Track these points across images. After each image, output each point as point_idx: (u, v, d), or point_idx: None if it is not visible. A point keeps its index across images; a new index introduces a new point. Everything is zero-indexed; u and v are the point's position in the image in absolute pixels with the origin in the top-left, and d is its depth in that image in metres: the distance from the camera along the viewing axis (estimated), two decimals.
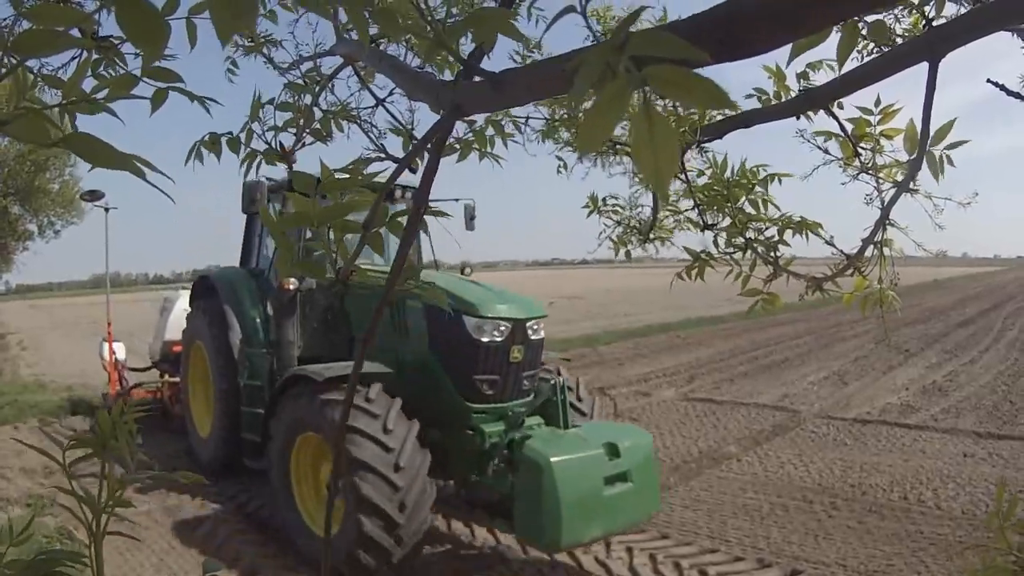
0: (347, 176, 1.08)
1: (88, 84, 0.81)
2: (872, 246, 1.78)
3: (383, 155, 1.93)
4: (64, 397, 10.62)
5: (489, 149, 1.68)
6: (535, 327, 5.32)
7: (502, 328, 5.08)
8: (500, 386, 5.19)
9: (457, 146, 1.76)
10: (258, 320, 6.67)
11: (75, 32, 0.71)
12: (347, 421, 1.31)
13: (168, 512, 6.00)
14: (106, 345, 9.39)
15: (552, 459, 4.20)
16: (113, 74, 0.98)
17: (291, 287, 6.06)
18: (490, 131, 1.63)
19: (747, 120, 2.11)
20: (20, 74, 0.71)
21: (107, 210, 9.06)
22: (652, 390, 11.55)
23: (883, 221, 1.74)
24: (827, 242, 1.97)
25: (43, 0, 0.90)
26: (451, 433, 5.17)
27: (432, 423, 4.95)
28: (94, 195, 8.91)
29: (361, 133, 2.11)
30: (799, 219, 1.99)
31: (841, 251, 1.87)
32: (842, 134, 1.98)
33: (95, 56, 0.99)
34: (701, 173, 2.10)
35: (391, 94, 1.98)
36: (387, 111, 1.99)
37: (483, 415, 5.15)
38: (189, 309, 7.71)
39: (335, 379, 4.70)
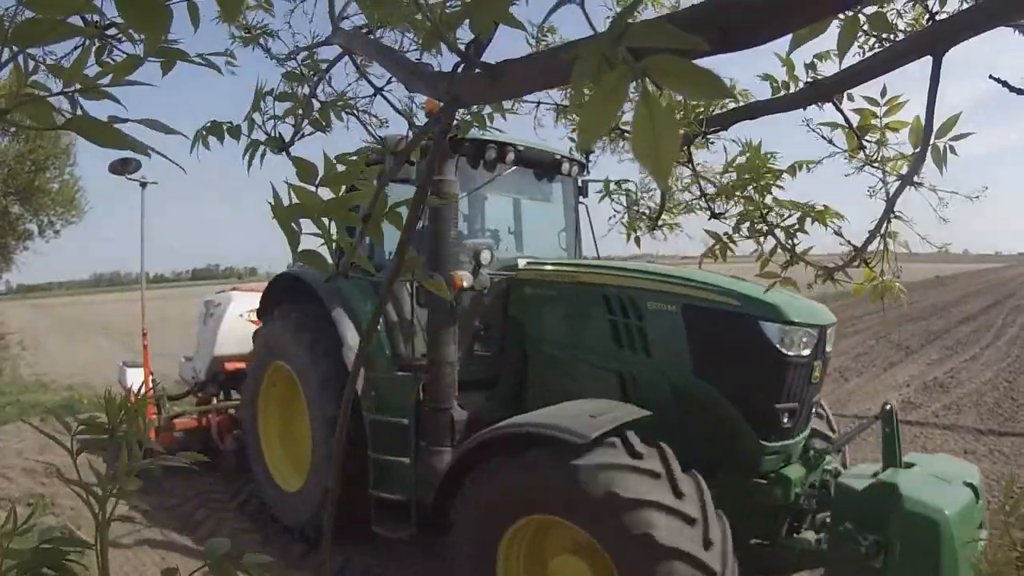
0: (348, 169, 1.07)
1: (91, 73, 0.81)
2: (878, 238, 1.78)
3: (381, 147, 1.94)
4: (66, 396, 10.64)
5: (489, 124, 1.69)
6: (830, 336, 4.05)
7: (806, 339, 3.80)
8: (798, 416, 3.87)
9: (457, 125, 1.75)
10: (380, 331, 4.86)
11: (76, 20, 0.71)
12: (344, 428, 1.27)
13: (172, 510, 6.01)
14: (130, 372, 7.36)
15: (947, 512, 3.21)
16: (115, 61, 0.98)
17: (464, 284, 4.30)
18: (487, 110, 1.65)
19: (752, 112, 2.12)
20: (20, 63, 0.71)
21: (143, 185, 7.20)
22: None
23: (888, 213, 1.74)
24: (836, 232, 1.98)
25: None
26: (732, 483, 3.75)
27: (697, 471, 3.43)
28: (126, 165, 6.62)
29: (360, 125, 2.11)
30: (822, 207, 1.99)
31: (849, 242, 1.88)
32: (847, 125, 1.99)
33: (97, 43, 0.99)
34: (742, 152, 2.10)
35: (389, 82, 1.97)
36: (386, 99, 1.99)
37: (776, 456, 3.82)
38: (247, 315, 6.24)
39: (602, 438, 3.17)
